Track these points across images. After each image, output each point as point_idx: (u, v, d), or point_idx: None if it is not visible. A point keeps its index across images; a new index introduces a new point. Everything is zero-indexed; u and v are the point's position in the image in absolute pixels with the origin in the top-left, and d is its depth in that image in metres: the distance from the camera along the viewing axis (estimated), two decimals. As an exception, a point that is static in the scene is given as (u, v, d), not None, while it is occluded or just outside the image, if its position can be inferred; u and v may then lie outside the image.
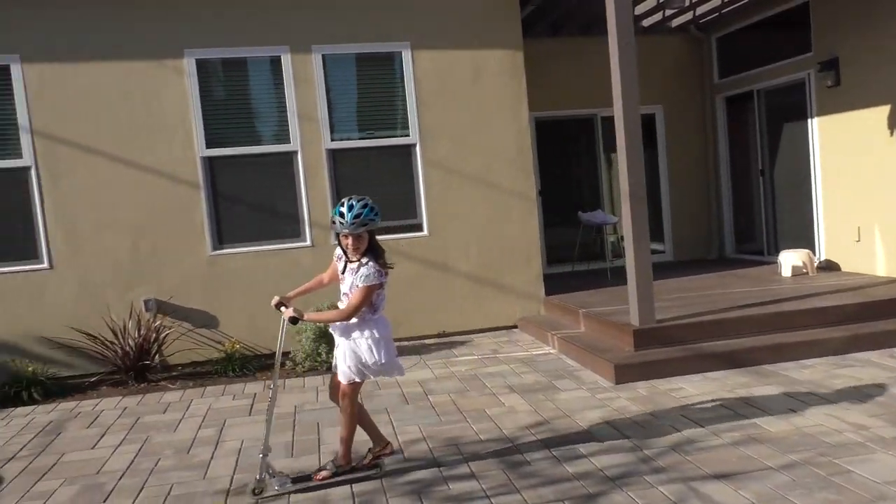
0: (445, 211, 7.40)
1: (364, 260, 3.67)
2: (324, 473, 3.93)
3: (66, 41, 6.55)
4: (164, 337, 6.69)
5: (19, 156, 6.50)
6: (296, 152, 7.03)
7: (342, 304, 3.79)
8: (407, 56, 7.19)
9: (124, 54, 6.67)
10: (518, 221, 7.56)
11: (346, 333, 3.77)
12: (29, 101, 6.49)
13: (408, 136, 7.27)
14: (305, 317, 3.71)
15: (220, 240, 6.97)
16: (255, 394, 5.91)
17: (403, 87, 7.25)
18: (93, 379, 6.56)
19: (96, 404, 5.92)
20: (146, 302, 6.79)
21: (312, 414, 5.23)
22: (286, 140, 7.02)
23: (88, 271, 6.71)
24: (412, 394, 5.56)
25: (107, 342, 6.50)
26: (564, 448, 4.19)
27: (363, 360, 3.75)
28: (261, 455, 3.78)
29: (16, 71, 6.45)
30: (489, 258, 7.55)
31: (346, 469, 3.97)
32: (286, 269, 7.05)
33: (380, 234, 3.81)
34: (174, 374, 6.71)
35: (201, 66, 6.81)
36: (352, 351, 3.76)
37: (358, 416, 3.96)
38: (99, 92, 6.64)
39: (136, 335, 6.52)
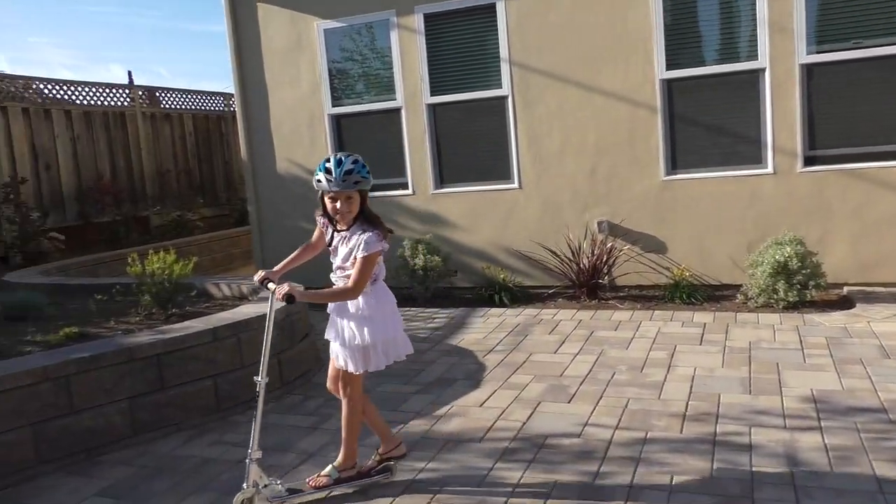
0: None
1: (358, 227, 3.08)
2: (322, 480, 3.27)
3: (541, -25, 6.98)
4: (615, 259, 6.94)
5: (499, 86, 7.26)
6: (762, 70, 6.43)
7: (337, 281, 3.19)
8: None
9: (592, -19, 6.84)
10: None
11: (340, 311, 3.20)
12: (509, 34, 7.14)
13: (907, 44, 6.04)
14: (300, 296, 3.00)
15: (673, 165, 6.85)
16: (705, 323, 5.76)
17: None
18: (550, 291, 7.18)
19: (555, 314, 6.47)
20: (599, 223, 7.09)
21: (770, 353, 4.89)
22: (752, 56, 6.46)
23: (551, 193, 7.26)
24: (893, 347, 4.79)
25: (564, 259, 7.01)
26: None
27: (348, 342, 3.15)
28: (248, 460, 3.08)
29: (500, 8, 7.13)
30: None
31: (353, 476, 3.31)
32: (743, 197, 6.62)
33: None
34: (622, 294, 6.95)
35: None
36: (344, 331, 3.20)
37: (364, 412, 3.34)
38: (569, 22, 6.96)
39: (590, 254, 6.88)
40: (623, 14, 6.78)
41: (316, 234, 3.28)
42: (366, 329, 3.12)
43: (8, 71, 10.62)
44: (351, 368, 3.18)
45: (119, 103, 11.15)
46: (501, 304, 6.92)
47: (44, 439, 3.73)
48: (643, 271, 7.01)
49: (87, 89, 10.74)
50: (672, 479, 3.21)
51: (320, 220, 3.22)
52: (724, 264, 6.74)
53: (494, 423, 4.02)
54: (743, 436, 3.61)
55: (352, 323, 3.15)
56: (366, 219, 3.09)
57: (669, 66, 6.70)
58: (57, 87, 10.34)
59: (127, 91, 11.35)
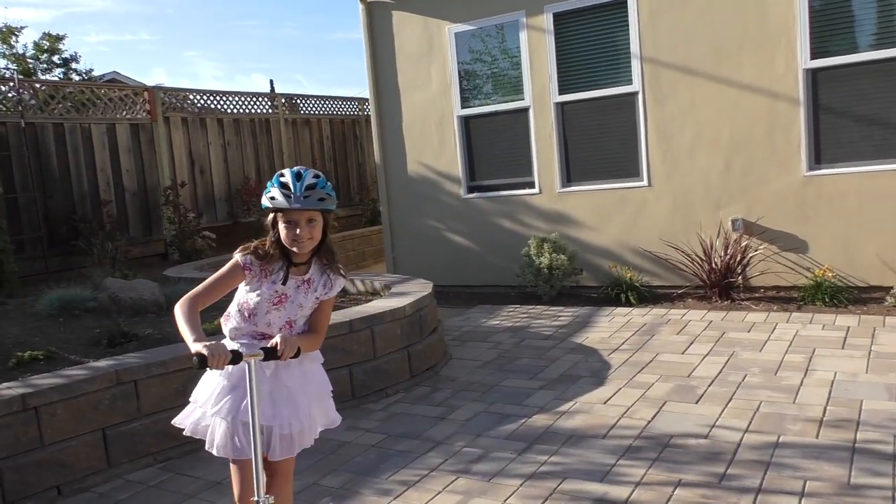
0: None
1: (318, 267, 2.50)
2: None
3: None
4: (750, 258, 6.67)
5: (629, 82, 7.17)
6: (918, 56, 5.97)
7: (273, 332, 2.47)
8: None
9: (726, -29, 6.61)
10: None
11: (292, 367, 2.48)
12: (640, 29, 7.04)
13: None
14: (304, 345, 2.43)
15: (817, 159, 6.49)
16: (849, 327, 5.44)
17: None
18: (679, 291, 7.00)
19: (683, 314, 6.32)
20: (734, 221, 6.83)
21: (922, 359, 4.56)
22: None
23: (682, 190, 7.08)
24: None
25: (695, 258, 6.82)
26: None
27: (323, 393, 2.63)
28: None
29: (631, 3, 7.03)
30: None
31: None
32: (895, 192, 6.17)
33: None
34: (756, 295, 6.67)
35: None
36: (319, 392, 2.61)
37: None
38: (704, 13, 6.76)
39: (723, 253, 6.66)
40: (761, 3, 6.50)
41: (216, 282, 2.43)
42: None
43: (166, 83, 11.62)
44: (321, 429, 2.67)
45: (263, 111, 11.95)
46: (628, 304, 6.84)
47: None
48: (780, 272, 6.69)
49: (235, 99, 11.60)
50: (805, 484, 3.10)
51: (243, 258, 2.43)
52: (873, 265, 6.31)
53: (618, 420, 4.02)
54: (886, 444, 3.42)
55: (314, 366, 2.60)
56: (327, 250, 2.50)
57: (815, 55, 6.35)
58: (209, 98, 11.23)
59: (269, 100, 12.14)
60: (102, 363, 4.03)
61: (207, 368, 2.19)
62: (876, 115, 6.23)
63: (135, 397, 3.92)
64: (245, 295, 2.48)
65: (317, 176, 2.39)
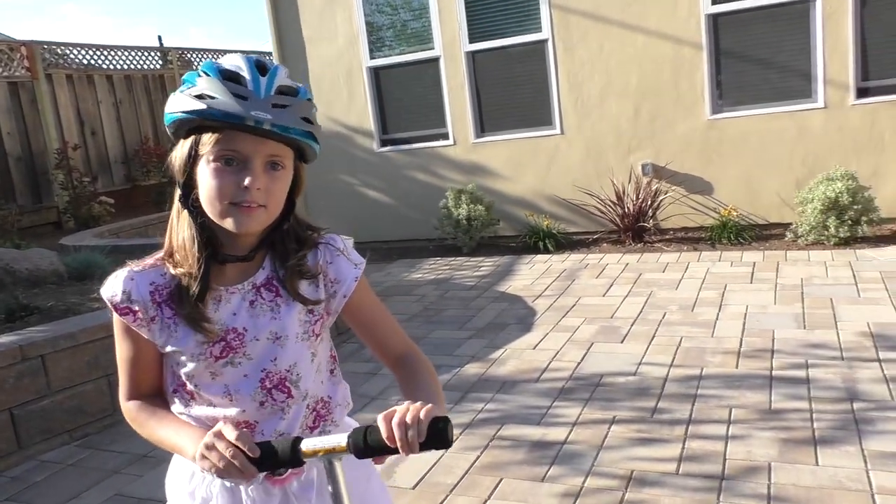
0: None
1: (296, 241, 1.32)
2: None
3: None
4: (660, 202, 6.88)
5: (539, 29, 7.14)
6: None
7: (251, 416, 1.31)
8: None
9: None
10: None
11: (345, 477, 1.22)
12: (546, -24, 7.00)
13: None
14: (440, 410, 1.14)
15: (720, 103, 6.71)
16: (755, 262, 5.72)
17: None
18: (595, 236, 7.16)
19: (601, 258, 6.47)
20: (644, 166, 7.01)
21: (823, 289, 4.85)
22: (801, -13, 6.25)
23: (593, 137, 7.18)
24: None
25: (609, 203, 6.97)
26: None
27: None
28: None
29: (536, -51, 6.97)
30: None
31: None
32: (792, 133, 6.47)
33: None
34: (668, 237, 6.90)
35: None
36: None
37: None
38: (606, -41, 6.79)
39: (635, 198, 6.83)
40: (664, -52, 6.58)
41: (124, 360, 1.32)
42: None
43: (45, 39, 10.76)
44: None
45: (154, 66, 11.27)
46: (546, 251, 6.94)
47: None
48: (689, 213, 6.94)
49: (123, 53, 10.88)
50: (731, 412, 3.25)
51: (111, 292, 1.27)
52: (773, 203, 6.64)
53: (549, 364, 4.09)
54: (800, 369, 3.62)
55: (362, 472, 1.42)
56: (296, 226, 1.33)
57: (715, 1, 6.51)
58: (95, 53, 10.47)
59: (161, 55, 11.44)
60: (3, 339, 3.73)
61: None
62: (774, 60, 6.48)
63: (43, 373, 3.65)
64: (165, 363, 1.34)
65: (294, 83, 1.23)
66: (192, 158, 1.20)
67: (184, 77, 1.23)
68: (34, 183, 9.35)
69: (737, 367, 3.75)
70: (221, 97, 1.15)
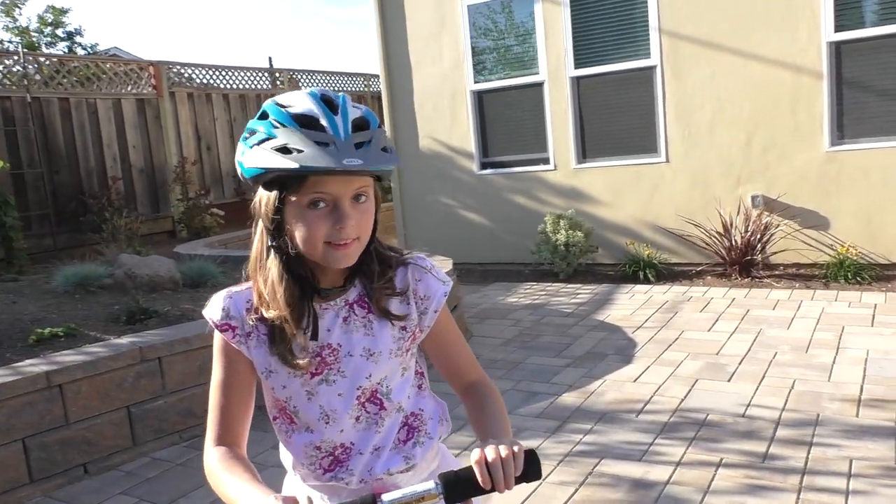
0: None
1: (378, 262, 1.33)
2: None
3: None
4: (771, 235, 6.59)
5: (647, 56, 7.02)
6: (948, 29, 5.85)
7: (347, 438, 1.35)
8: None
9: (750, -59, 6.45)
10: None
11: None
12: (659, 1, 6.88)
13: None
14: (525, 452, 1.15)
15: (840, 135, 6.38)
16: (876, 304, 5.37)
17: None
18: (698, 268, 6.93)
19: (705, 291, 6.25)
20: (754, 198, 6.74)
21: (955, 337, 4.49)
22: (935, 15, 5.88)
23: (700, 166, 6.97)
24: None
25: (714, 234, 6.73)
26: None
27: None
28: None
29: (648, -26, 6.88)
30: None
31: None
32: (919, 169, 6.08)
33: None
34: (777, 272, 6.59)
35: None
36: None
37: None
38: (722, -15, 6.62)
39: (744, 230, 6.57)
40: (785, -26, 6.36)
41: (221, 392, 1.32)
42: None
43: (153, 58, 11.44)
44: None
45: (264, 86, 11.77)
46: (646, 281, 6.76)
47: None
48: (801, 249, 6.61)
49: (237, 74, 11.42)
50: (851, 464, 3.04)
51: (215, 314, 1.33)
52: (896, 242, 6.24)
53: (651, 398, 3.96)
54: (929, 423, 3.36)
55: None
56: (378, 249, 1.34)
57: (838, 28, 6.22)
58: (212, 73, 11.05)
59: (270, 75, 11.95)
60: (125, 340, 3.95)
61: None
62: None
63: (159, 375, 3.85)
64: (264, 384, 1.36)
65: (357, 107, 1.24)
66: (278, 207, 1.21)
67: (249, 125, 1.23)
68: (154, 194, 9.93)
69: (857, 415, 3.52)
70: (307, 150, 1.14)
